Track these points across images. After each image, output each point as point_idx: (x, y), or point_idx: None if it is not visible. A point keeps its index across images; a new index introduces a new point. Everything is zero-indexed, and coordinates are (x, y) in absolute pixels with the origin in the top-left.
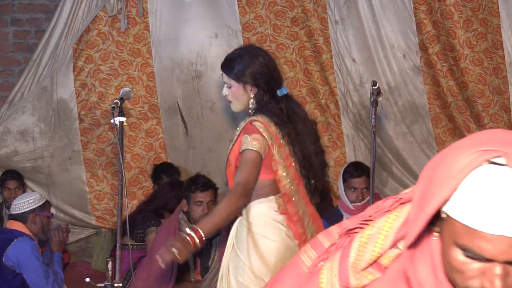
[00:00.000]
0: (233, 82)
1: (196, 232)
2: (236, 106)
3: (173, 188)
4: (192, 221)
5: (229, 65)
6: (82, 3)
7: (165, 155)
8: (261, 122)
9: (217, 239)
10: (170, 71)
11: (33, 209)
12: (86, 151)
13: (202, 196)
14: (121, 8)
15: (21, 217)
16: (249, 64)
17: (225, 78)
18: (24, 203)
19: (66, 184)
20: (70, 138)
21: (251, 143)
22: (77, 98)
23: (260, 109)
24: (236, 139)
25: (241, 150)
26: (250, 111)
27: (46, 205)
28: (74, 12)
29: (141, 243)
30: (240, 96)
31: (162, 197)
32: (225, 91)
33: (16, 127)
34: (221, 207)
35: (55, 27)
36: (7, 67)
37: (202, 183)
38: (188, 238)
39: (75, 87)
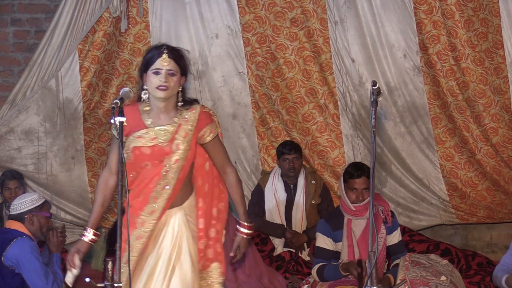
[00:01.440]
0: (178, 72)
1: (245, 227)
2: (170, 94)
3: None
4: None
5: (180, 55)
6: (86, 4)
7: None
8: (208, 108)
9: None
10: None
11: (31, 209)
12: (88, 151)
13: None
14: (123, 9)
15: (19, 218)
16: (187, 57)
17: (174, 66)
18: (21, 203)
19: (68, 183)
20: (74, 138)
21: (217, 128)
22: (83, 98)
23: (186, 98)
24: (194, 132)
25: (213, 138)
26: (179, 103)
27: (45, 205)
28: (77, 13)
29: None
30: (178, 86)
31: None
32: (167, 78)
33: (20, 127)
34: (241, 193)
35: (56, 27)
36: (7, 67)
37: None
38: (244, 236)
39: (81, 87)
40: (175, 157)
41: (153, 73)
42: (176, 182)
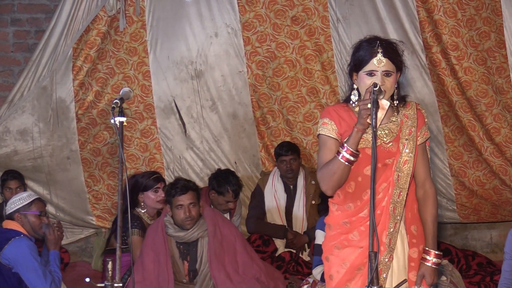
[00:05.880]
0: (394, 71)
1: (433, 255)
2: (386, 96)
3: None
4: (177, 224)
5: (394, 50)
6: (82, 3)
7: (160, 156)
8: (421, 106)
9: (203, 241)
10: (166, 70)
11: (18, 209)
12: (83, 151)
13: (182, 199)
14: (120, 8)
15: (10, 218)
16: (401, 48)
17: (389, 65)
18: (11, 203)
19: (66, 184)
20: (68, 138)
21: (428, 131)
22: (75, 97)
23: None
24: (416, 129)
25: (424, 141)
26: (395, 101)
27: (34, 203)
28: (74, 12)
29: (126, 246)
30: (394, 85)
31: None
32: (383, 80)
33: (15, 127)
34: (436, 215)
35: (54, 27)
36: (7, 67)
37: (181, 186)
38: (432, 266)
39: (73, 86)
40: (404, 158)
41: (367, 74)
42: (409, 187)
